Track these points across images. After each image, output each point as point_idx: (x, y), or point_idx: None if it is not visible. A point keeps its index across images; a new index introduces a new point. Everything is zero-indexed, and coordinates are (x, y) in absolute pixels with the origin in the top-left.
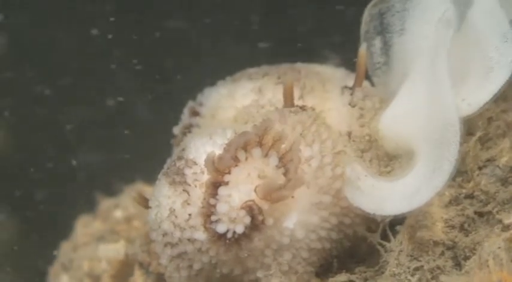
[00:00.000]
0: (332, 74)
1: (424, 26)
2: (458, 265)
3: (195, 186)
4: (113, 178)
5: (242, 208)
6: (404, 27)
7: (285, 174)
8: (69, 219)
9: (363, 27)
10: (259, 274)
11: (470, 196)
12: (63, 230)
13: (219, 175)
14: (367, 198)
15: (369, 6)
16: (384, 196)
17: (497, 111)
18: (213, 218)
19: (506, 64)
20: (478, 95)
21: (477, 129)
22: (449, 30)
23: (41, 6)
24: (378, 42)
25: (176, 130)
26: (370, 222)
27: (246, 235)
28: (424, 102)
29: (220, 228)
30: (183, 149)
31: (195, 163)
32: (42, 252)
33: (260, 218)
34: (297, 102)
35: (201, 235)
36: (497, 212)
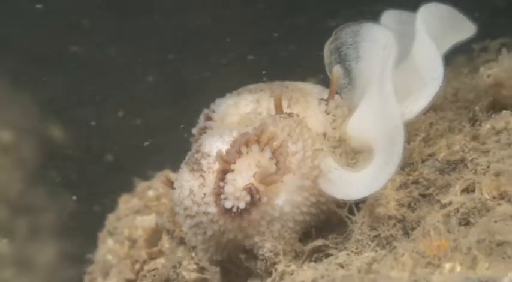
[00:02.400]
0: (312, 89)
1: (373, 53)
2: (406, 234)
3: (209, 172)
4: (147, 167)
5: (244, 189)
6: (358, 55)
7: (276, 164)
8: (115, 198)
9: (326, 60)
10: (256, 239)
11: (416, 182)
12: (110, 206)
13: (226, 164)
14: (336, 188)
15: (327, 44)
16: (350, 185)
17: (436, 118)
18: (222, 196)
19: (435, 80)
20: (417, 103)
21: (421, 131)
22: (391, 55)
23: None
24: (340, 69)
25: (194, 131)
26: (340, 199)
27: (247, 210)
28: (377, 112)
29: (228, 204)
30: (200, 145)
31: (209, 155)
32: (94, 223)
33: (257, 196)
34: (286, 110)
35: (213, 209)
36: (436, 194)
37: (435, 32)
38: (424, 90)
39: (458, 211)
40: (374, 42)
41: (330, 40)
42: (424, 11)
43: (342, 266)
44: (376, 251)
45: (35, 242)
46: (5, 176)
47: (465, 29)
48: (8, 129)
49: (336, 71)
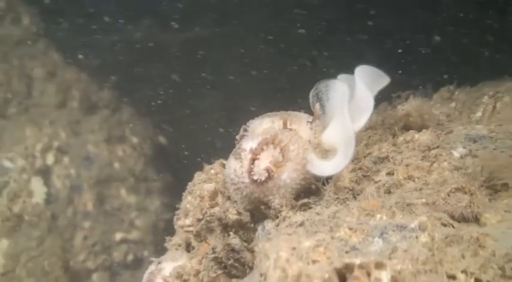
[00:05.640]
0: (303, 116)
1: (336, 97)
2: (355, 198)
3: (245, 160)
4: (211, 157)
5: (264, 169)
6: (328, 97)
7: (282, 156)
8: (192, 174)
9: (310, 100)
10: (270, 197)
11: (360, 168)
12: (189, 178)
13: (255, 155)
14: (316, 169)
15: (311, 91)
16: (323, 168)
17: (372, 133)
18: (252, 173)
19: (368, 109)
20: (359, 122)
21: (364, 140)
22: (346, 97)
23: None
24: (318, 105)
25: (237, 137)
26: (317, 177)
27: (266, 181)
28: (340, 128)
29: (255, 177)
30: (240, 144)
31: (245, 150)
32: (182, 182)
33: (272, 174)
34: (288, 127)
35: (246, 180)
36: (372, 176)
37: (367, 81)
38: (363, 115)
39: (384, 185)
40: (336, 91)
41: (313, 89)
42: (359, 69)
43: (318, 214)
44: (337, 206)
45: (149, 197)
46: (133, 161)
47: (383, 79)
48: (136, 137)
49: (317, 107)
